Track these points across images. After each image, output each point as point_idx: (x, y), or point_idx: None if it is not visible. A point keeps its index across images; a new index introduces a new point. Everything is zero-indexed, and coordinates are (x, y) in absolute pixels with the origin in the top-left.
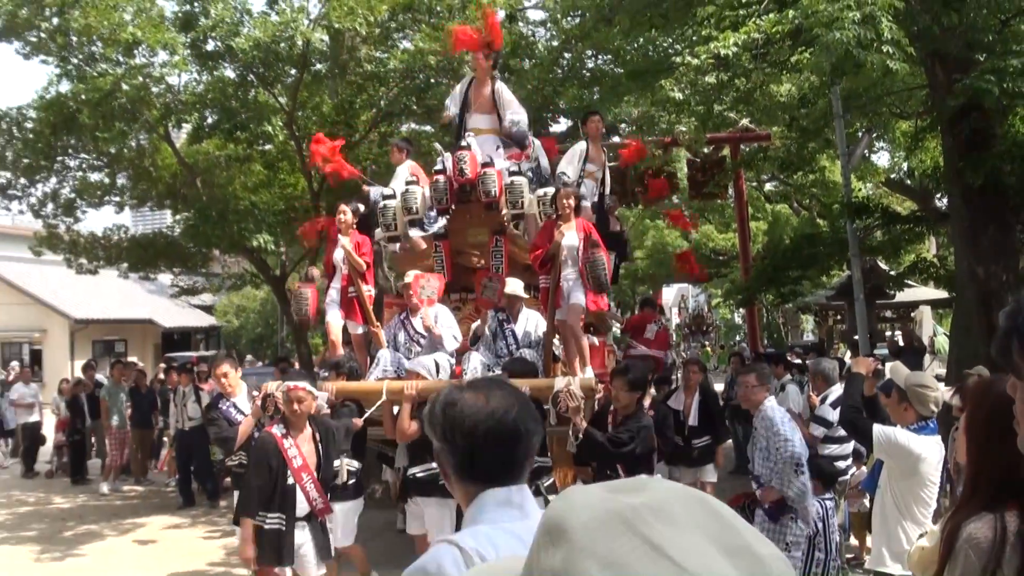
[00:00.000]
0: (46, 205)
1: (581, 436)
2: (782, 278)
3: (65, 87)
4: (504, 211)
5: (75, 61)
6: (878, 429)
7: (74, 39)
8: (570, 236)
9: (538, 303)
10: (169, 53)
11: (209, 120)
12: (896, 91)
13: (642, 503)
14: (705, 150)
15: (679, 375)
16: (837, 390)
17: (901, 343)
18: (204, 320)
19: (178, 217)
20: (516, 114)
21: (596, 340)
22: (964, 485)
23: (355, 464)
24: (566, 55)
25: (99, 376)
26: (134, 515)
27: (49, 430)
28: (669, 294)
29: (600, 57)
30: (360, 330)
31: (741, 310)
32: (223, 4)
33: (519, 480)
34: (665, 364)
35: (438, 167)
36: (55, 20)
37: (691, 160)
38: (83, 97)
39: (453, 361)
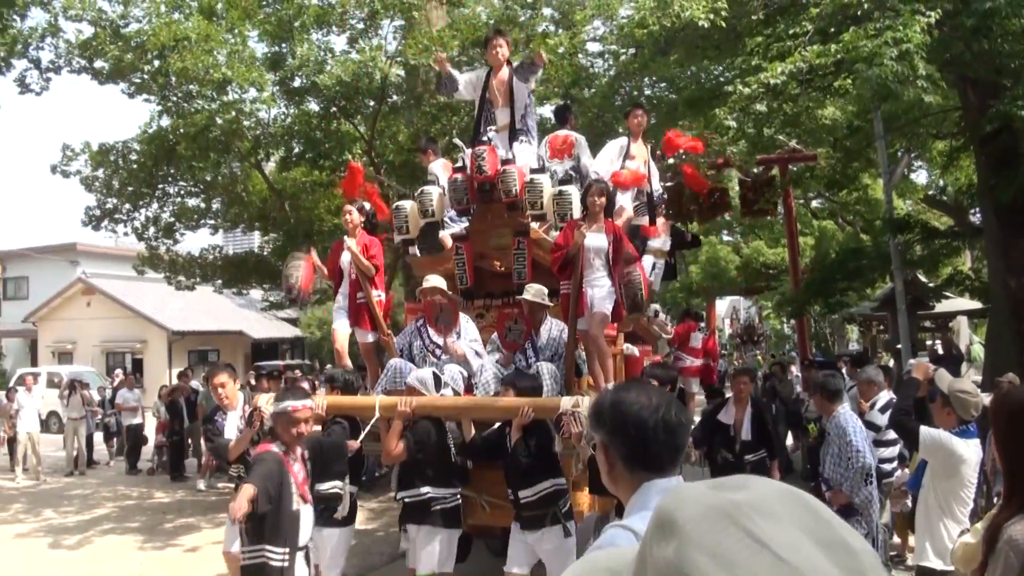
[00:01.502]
0: (148, 228)
1: (585, 463)
2: (829, 290)
3: (165, 122)
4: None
5: (174, 99)
6: (924, 430)
7: (173, 79)
8: (596, 237)
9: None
10: (259, 90)
11: (296, 149)
12: (932, 113)
13: (744, 499)
14: (755, 170)
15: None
16: (885, 395)
17: (940, 352)
18: (290, 332)
19: (267, 238)
20: (530, 117)
21: (636, 350)
22: (1003, 486)
23: (354, 488)
24: (625, 84)
25: (193, 383)
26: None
27: (150, 431)
28: (722, 306)
29: (656, 85)
30: (369, 338)
31: (790, 320)
32: (308, 45)
33: (677, 470)
34: (719, 373)
35: (457, 164)
36: (156, 63)
37: (742, 179)
38: (181, 131)
39: (466, 373)
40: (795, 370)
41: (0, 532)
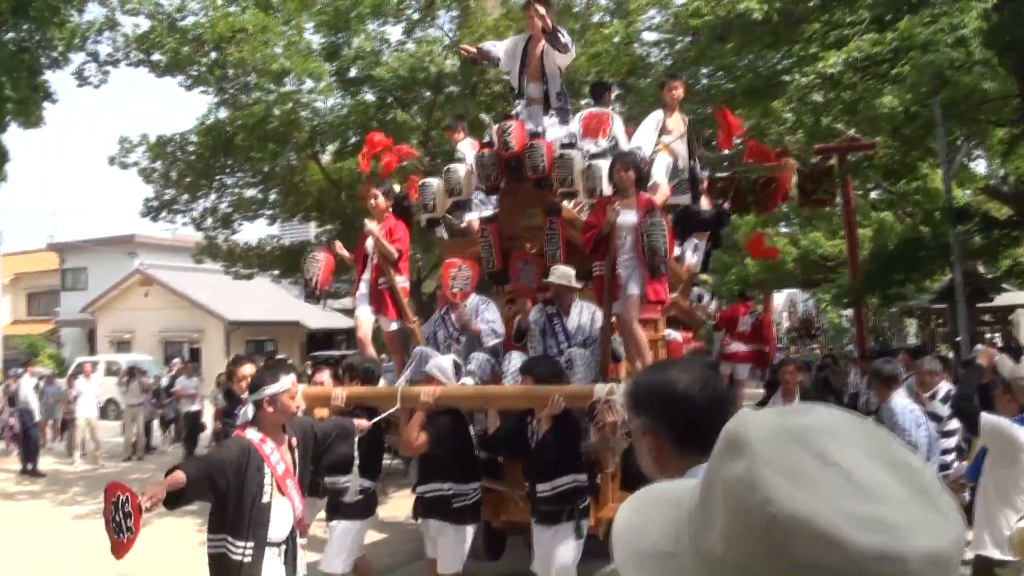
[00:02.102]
0: (206, 219)
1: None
2: (888, 281)
3: (223, 114)
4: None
5: (231, 91)
6: (985, 416)
7: (230, 71)
8: (628, 214)
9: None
10: (315, 81)
11: (352, 140)
12: (991, 100)
13: (810, 423)
14: (814, 160)
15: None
16: (945, 386)
17: (1000, 345)
18: (346, 323)
19: (324, 228)
20: (563, 94)
21: (679, 336)
22: None
23: (367, 483)
24: (681, 74)
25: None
26: None
27: (208, 419)
28: (779, 299)
29: (713, 74)
30: (393, 326)
31: (848, 313)
32: (364, 36)
33: None
34: (771, 362)
35: (485, 140)
36: (213, 55)
37: (800, 169)
38: (239, 122)
39: (494, 361)
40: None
41: (59, 513)
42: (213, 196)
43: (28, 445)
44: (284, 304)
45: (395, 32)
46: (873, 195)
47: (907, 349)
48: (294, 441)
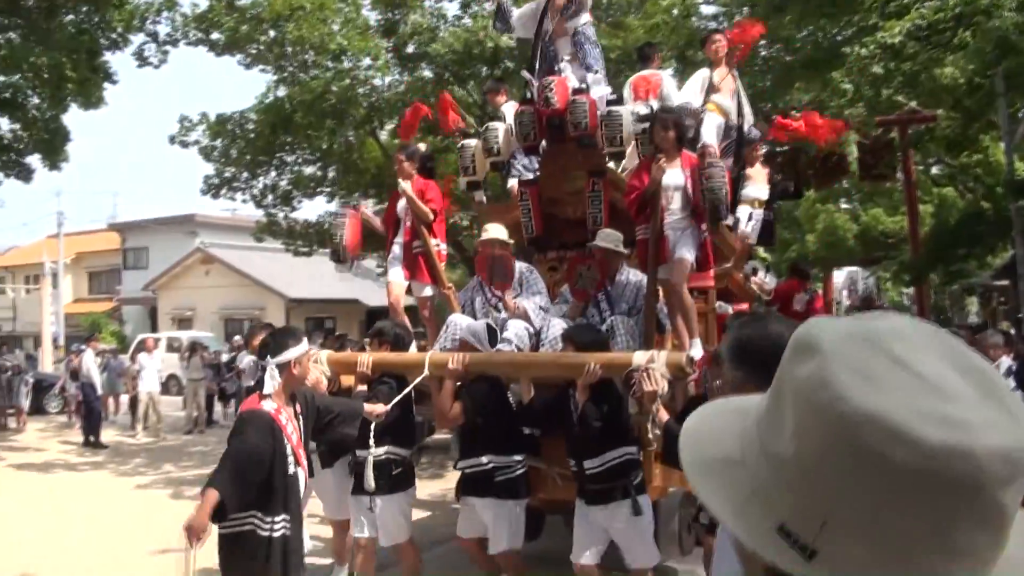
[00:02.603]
0: (266, 196)
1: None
2: (949, 257)
3: (281, 92)
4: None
5: (290, 69)
6: None
7: (289, 49)
8: (673, 173)
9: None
10: (373, 58)
11: None
12: None
13: (882, 327)
14: (874, 132)
15: None
16: (1007, 361)
17: None
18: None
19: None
20: (594, 52)
21: (730, 309)
22: None
23: (399, 452)
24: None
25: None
26: None
27: None
28: (839, 277)
29: (771, 46)
30: (427, 291)
31: (909, 291)
32: (421, 12)
33: None
34: None
35: (525, 97)
36: (271, 33)
37: (861, 142)
38: (297, 100)
39: (532, 330)
40: None
41: (120, 484)
42: (273, 174)
43: (90, 418)
44: (344, 282)
45: (451, 8)
46: (934, 170)
47: (968, 327)
48: (299, 409)
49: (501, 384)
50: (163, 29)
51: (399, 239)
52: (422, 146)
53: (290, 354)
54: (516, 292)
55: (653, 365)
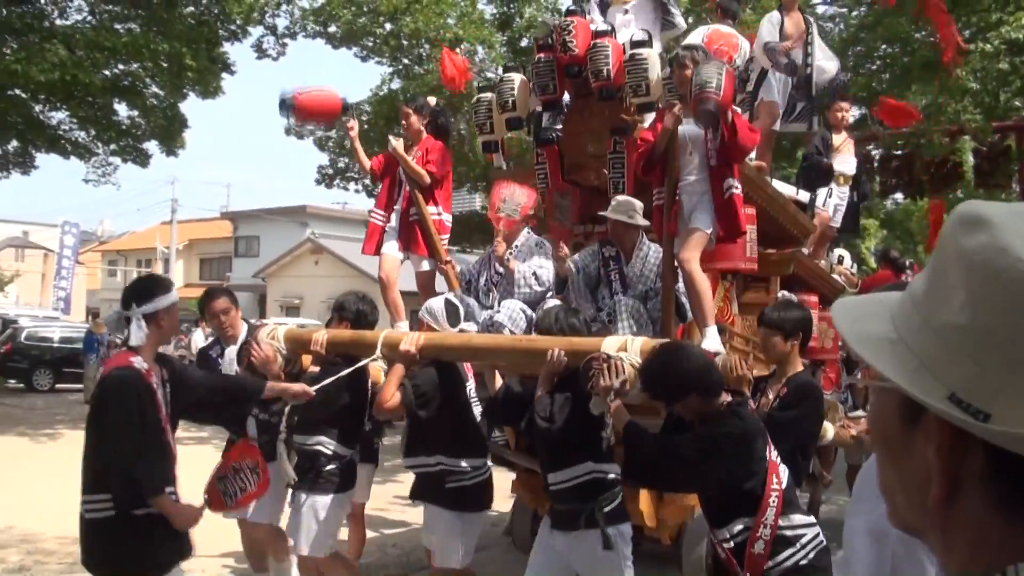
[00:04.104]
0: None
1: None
2: None
3: (396, 84)
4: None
5: (405, 62)
6: None
7: (405, 42)
8: (692, 124)
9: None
10: (487, 49)
11: None
12: None
13: None
14: (991, 138)
15: None
16: None
17: None
18: None
19: None
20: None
21: (794, 300)
22: None
23: (333, 446)
24: (856, 48)
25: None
26: None
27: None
28: None
29: (890, 46)
30: (425, 265)
31: None
32: (535, 4)
33: None
34: None
35: (541, 43)
36: (388, 26)
37: (977, 149)
38: (411, 93)
39: (530, 313)
40: None
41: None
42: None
43: None
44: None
45: (566, 1)
46: None
47: None
48: (165, 374)
49: (456, 373)
50: (281, 22)
51: (397, 207)
52: (432, 99)
53: (159, 303)
54: (513, 258)
55: (623, 354)
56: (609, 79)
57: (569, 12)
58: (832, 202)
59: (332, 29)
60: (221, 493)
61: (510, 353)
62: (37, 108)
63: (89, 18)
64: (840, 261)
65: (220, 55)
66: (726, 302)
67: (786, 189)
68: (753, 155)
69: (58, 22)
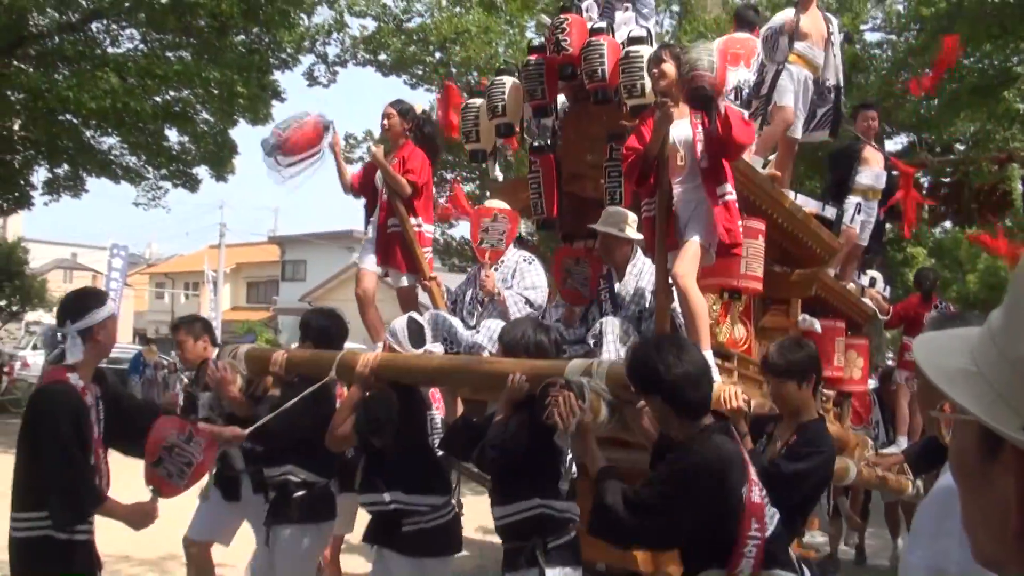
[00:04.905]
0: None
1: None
2: None
3: None
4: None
5: None
6: None
7: (454, 70)
8: (680, 125)
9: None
10: None
11: None
12: None
13: None
14: None
15: None
16: None
17: None
18: None
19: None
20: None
21: (818, 326)
22: None
23: (305, 475)
24: (903, 73)
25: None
26: None
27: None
28: None
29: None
30: (404, 281)
31: None
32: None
33: None
34: None
35: (533, 44)
36: (438, 55)
37: None
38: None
39: None
40: None
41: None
42: (434, 190)
43: None
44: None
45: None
46: None
47: None
48: (99, 392)
49: (416, 398)
50: (332, 50)
51: (374, 218)
52: (420, 106)
53: (93, 317)
54: (508, 285)
55: (585, 380)
56: (604, 80)
57: (563, 9)
58: (860, 218)
59: (382, 57)
60: (166, 476)
61: (469, 376)
62: (88, 134)
63: (141, 46)
64: (872, 284)
65: (270, 83)
66: (721, 323)
67: (809, 204)
68: (764, 161)
69: (110, 50)
